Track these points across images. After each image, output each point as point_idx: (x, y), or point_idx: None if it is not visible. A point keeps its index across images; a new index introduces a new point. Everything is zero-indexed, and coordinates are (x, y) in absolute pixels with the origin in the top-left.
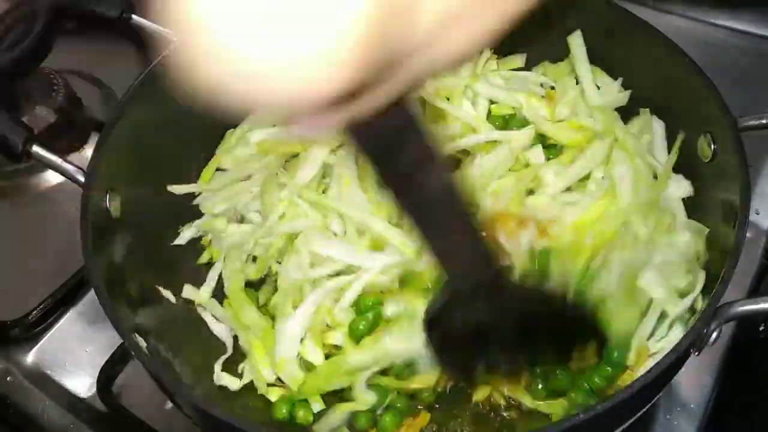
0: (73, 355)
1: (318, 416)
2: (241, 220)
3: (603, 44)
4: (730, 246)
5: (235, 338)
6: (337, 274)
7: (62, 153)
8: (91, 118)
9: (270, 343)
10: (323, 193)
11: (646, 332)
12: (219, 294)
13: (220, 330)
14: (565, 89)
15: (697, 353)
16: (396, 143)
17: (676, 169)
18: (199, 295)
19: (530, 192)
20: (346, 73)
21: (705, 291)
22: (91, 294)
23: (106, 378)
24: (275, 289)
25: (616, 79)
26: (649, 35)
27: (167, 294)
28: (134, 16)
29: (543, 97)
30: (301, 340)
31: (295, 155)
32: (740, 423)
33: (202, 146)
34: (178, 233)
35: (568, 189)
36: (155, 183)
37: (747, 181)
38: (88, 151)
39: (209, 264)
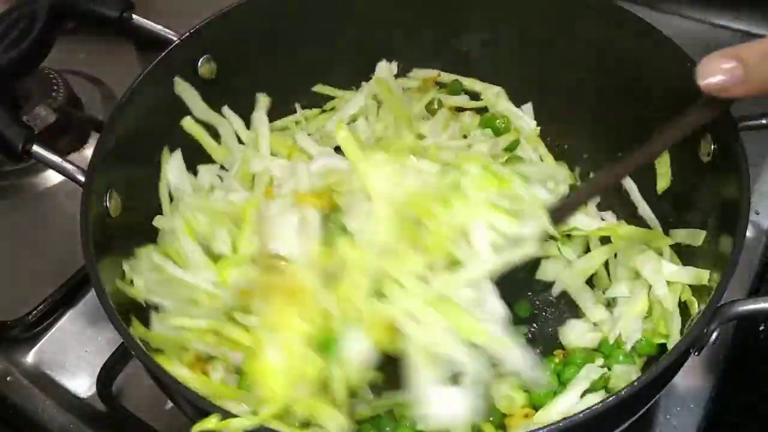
0: (73, 355)
1: None
2: None
3: (602, 44)
4: (730, 246)
5: None
6: None
7: (62, 153)
8: (92, 117)
9: None
10: None
11: None
12: None
13: None
14: None
15: (697, 353)
16: None
17: (677, 168)
18: None
19: None
20: None
21: (705, 291)
22: (91, 294)
23: (106, 378)
24: None
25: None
26: (648, 35)
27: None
28: (134, 16)
29: None
30: None
31: None
32: (740, 423)
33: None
34: None
35: None
36: (155, 182)
37: (747, 181)
38: (88, 150)
39: None
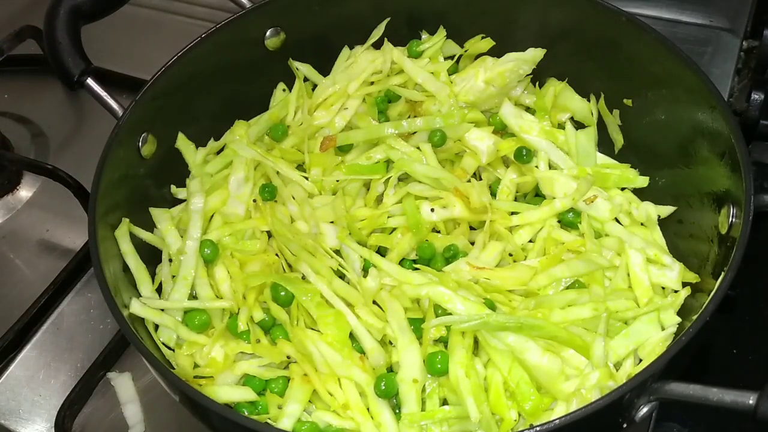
0: (27, 401)
1: None
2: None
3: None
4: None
5: None
6: None
7: None
8: (23, 158)
9: None
10: None
11: None
12: None
13: None
14: None
15: (624, 425)
16: None
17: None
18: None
19: None
20: None
21: None
22: (41, 336)
23: (64, 420)
24: None
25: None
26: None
27: None
28: (89, 80)
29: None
30: None
31: None
32: None
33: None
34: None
35: None
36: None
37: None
38: (23, 191)
39: None
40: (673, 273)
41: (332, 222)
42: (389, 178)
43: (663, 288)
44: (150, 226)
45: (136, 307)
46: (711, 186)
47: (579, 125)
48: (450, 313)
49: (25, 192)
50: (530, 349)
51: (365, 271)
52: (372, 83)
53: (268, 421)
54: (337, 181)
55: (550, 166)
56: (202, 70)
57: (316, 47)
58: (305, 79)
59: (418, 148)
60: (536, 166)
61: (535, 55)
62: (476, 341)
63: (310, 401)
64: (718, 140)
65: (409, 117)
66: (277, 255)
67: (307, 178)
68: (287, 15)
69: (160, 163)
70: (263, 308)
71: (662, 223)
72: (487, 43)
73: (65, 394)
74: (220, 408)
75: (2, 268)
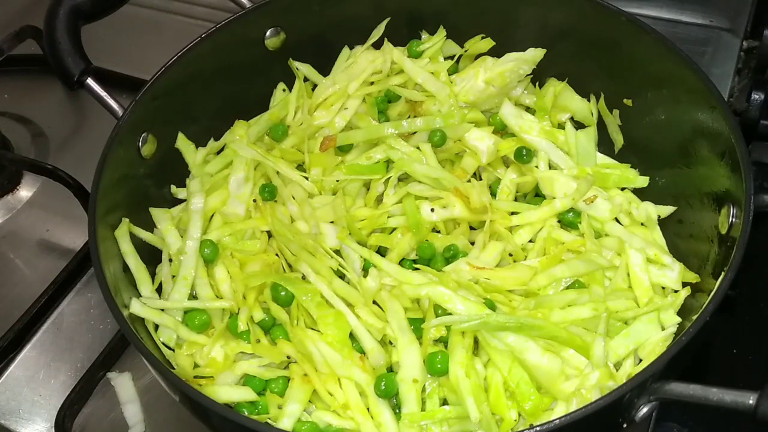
0: (27, 401)
1: None
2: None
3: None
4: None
5: None
6: None
7: None
8: (23, 158)
9: None
10: None
11: None
12: None
13: None
14: None
15: (624, 425)
16: None
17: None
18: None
19: None
20: None
21: None
22: (40, 337)
23: (64, 420)
24: None
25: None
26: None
27: None
28: (89, 80)
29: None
30: None
31: None
32: None
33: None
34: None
35: None
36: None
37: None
38: (23, 191)
39: None
40: (673, 273)
41: (332, 222)
42: (389, 178)
43: (663, 288)
44: (150, 226)
45: (136, 307)
46: (711, 186)
47: (579, 125)
48: (450, 313)
49: (25, 192)
50: (530, 349)
51: (365, 271)
52: (372, 83)
53: (268, 421)
54: (337, 181)
55: (550, 166)
56: (202, 70)
57: (316, 47)
58: (305, 79)
59: (418, 148)
60: (536, 166)
61: (535, 55)
62: (476, 341)
63: (310, 401)
64: (718, 140)
65: (409, 117)
66: (277, 255)
67: (307, 178)
68: (287, 15)
69: (160, 163)
70: (263, 308)
71: (662, 223)
72: (487, 43)
73: (65, 394)
74: (221, 408)
75: (2, 268)
